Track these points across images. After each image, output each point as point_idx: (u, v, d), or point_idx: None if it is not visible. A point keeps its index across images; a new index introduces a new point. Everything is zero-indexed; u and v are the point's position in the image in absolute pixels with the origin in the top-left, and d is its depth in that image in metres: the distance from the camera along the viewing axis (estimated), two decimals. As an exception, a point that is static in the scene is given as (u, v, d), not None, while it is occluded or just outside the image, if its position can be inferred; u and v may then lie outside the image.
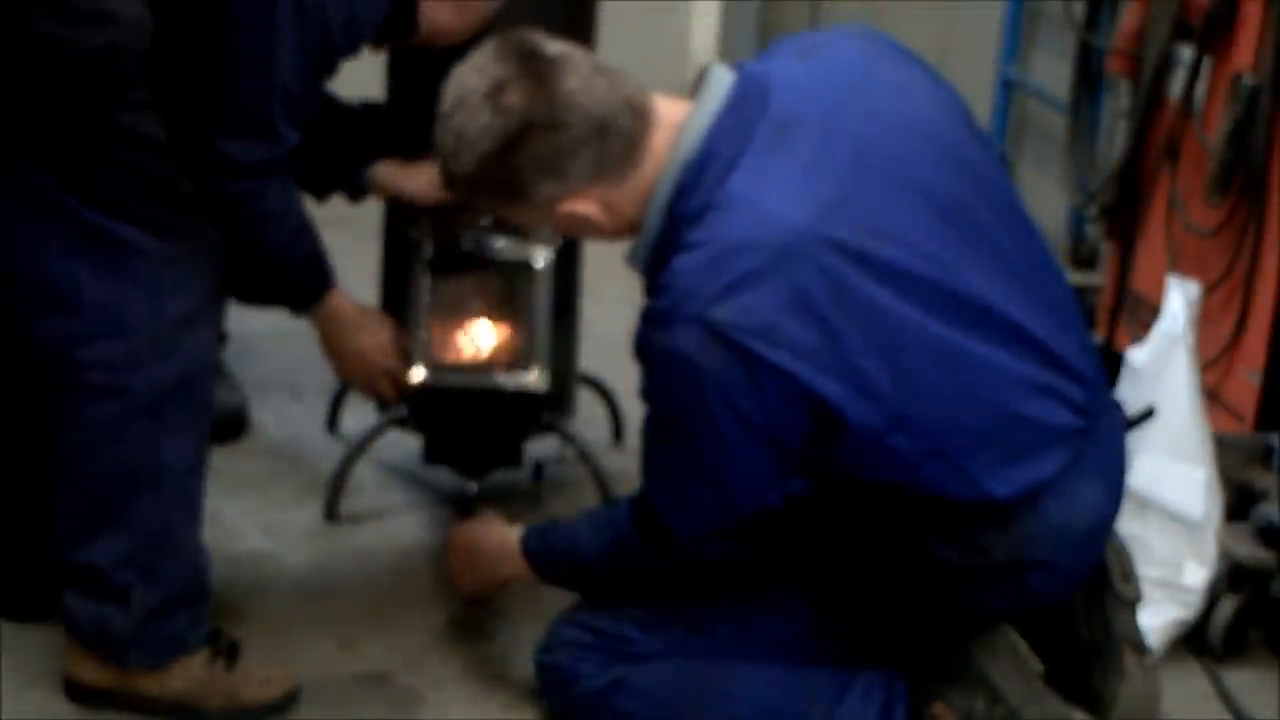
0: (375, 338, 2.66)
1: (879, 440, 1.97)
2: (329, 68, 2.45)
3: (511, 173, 2.01)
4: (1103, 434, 2.13)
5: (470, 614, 2.68)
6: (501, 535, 2.42)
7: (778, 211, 1.94)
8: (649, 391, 2.05)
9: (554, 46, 2.03)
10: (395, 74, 2.93)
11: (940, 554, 2.06)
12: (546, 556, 2.35)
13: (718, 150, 1.98)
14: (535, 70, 1.99)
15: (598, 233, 2.10)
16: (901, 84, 2.10)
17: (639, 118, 2.02)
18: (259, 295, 2.54)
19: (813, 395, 1.93)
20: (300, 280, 2.53)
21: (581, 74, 2.00)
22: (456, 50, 2.66)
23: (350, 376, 2.73)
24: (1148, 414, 2.40)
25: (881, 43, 2.16)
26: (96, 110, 2.19)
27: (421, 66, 2.80)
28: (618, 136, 2.01)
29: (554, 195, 2.03)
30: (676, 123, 2.03)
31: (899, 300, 1.95)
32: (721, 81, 2.04)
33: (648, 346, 1.99)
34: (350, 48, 2.42)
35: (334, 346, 2.63)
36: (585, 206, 2.04)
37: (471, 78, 2.03)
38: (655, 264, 2.02)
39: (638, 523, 2.17)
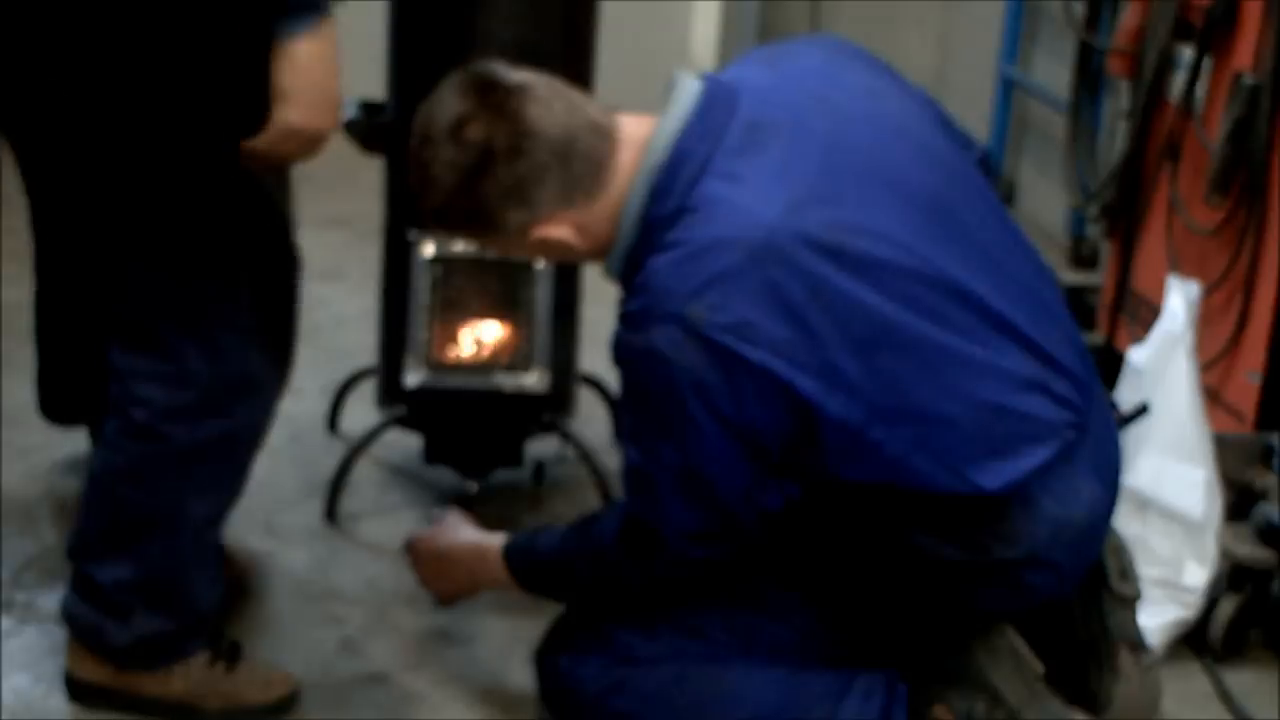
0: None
1: (859, 435, 1.97)
2: None
3: (480, 204, 2.03)
4: (1095, 430, 2.13)
5: (466, 614, 2.69)
6: (475, 539, 2.39)
7: (750, 209, 1.95)
8: (627, 394, 2.06)
9: (514, 75, 2.04)
10: (396, 73, 2.93)
11: (940, 552, 2.06)
12: (529, 567, 2.30)
13: (688, 154, 2.00)
14: (495, 102, 2.01)
15: (574, 255, 2.13)
16: (871, 87, 2.12)
17: (603, 138, 2.04)
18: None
19: (789, 391, 1.93)
20: None
21: (541, 100, 2.02)
22: (461, 48, 2.66)
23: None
24: (1142, 410, 2.39)
25: (849, 50, 2.18)
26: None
27: (423, 64, 2.82)
28: (582, 159, 2.02)
29: (525, 222, 2.04)
30: (643, 137, 2.04)
31: (874, 293, 1.95)
32: (688, 89, 2.05)
33: (624, 348, 2.00)
34: None
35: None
36: (558, 231, 2.05)
37: (435, 114, 2.05)
38: (631, 269, 2.03)
39: (621, 532, 2.14)
